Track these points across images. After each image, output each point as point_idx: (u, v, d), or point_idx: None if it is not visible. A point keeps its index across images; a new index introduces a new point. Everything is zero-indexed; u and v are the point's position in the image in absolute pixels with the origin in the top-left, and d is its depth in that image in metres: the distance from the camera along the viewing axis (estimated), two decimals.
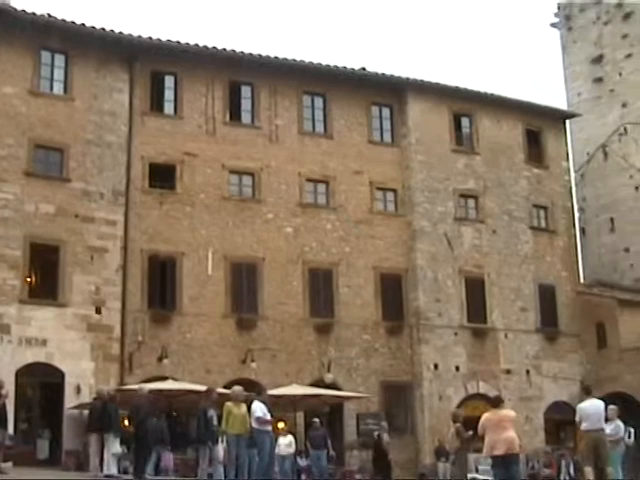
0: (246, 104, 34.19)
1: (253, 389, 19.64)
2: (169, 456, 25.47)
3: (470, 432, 21.43)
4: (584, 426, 17.30)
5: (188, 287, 31.47)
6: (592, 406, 17.50)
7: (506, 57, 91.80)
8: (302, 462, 28.11)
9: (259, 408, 17.79)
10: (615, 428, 19.46)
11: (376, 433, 28.02)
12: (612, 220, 44.64)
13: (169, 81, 33.24)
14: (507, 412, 16.55)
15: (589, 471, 17.48)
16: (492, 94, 38.44)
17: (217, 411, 18.62)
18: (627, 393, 35.66)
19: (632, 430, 22.61)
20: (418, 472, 31.66)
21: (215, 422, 18.34)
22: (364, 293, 34.42)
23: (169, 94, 33.18)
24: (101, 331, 29.54)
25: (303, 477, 27.83)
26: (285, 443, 25.35)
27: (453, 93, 37.57)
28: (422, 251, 35.65)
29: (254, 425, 17.59)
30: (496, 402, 16.98)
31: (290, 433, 26.26)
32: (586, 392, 18.18)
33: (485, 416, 16.71)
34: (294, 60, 34.60)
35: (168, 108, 33.22)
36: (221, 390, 22.59)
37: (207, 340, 31.25)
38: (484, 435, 16.04)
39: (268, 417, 18.28)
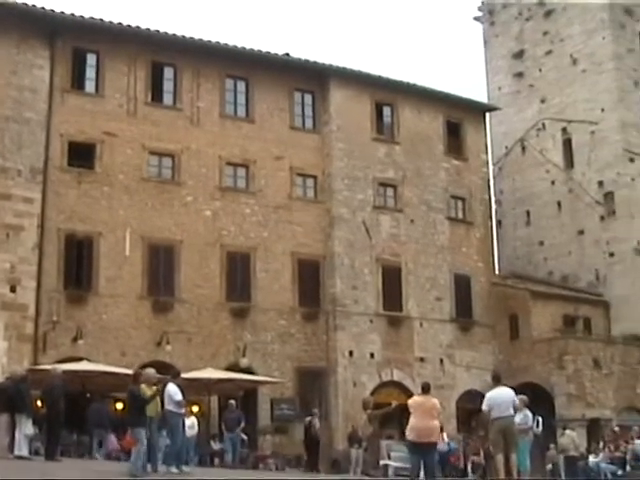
0: (168, 85, 34.11)
1: (168, 372, 19.54)
2: (112, 439, 25.41)
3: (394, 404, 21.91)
4: (493, 414, 17.62)
5: (105, 268, 31.33)
6: (501, 394, 17.79)
7: (430, 48, 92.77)
8: (215, 446, 28.20)
9: (178, 391, 17.83)
10: (524, 418, 19.95)
11: (308, 419, 28.35)
12: (528, 213, 45.64)
13: (91, 59, 32.97)
14: (435, 401, 16.88)
15: (499, 459, 17.85)
16: (414, 85, 38.90)
17: None
18: (537, 383, 36.49)
19: (540, 419, 23.19)
20: (331, 458, 31.95)
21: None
22: (281, 278, 34.62)
23: (90, 72, 32.92)
24: (15, 310, 29.25)
25: (216, 461, 27.81)
26: (188, 425, 25.32)
27: (375, 82, 37.92)
28: (340, 238, 35.96)
29: (171, 408, 17.61)
30: (426, 388, 17.28)
31: (193, 415, 26.11)
32: (495, 380, 18.54)
33: (414, 399, 17.03)
34: (217, 43, 34.62)
35: (89, 86, 32.97)
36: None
37: (123, 322, 31.16)
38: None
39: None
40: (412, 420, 16.89)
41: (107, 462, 23.27)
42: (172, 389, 17.80)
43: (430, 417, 16.63)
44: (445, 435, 32.51)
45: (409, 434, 16.94)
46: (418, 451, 16.81)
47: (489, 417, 17.61)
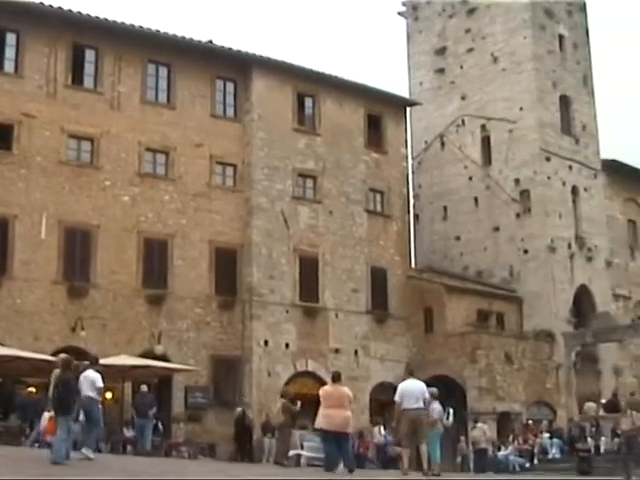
0: (89, 68, 33.91)
1: (82, 358, 19.56)
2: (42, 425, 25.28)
3: (298, 405, 22.15)
4: (404, 405, 18.04)
5: (20, 251, 31.10)
6: (412, 386, 18.22)
7: (355, 41, 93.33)
8: (128, 433, 28.18)
9: (100, 378, 17.89)
10: (432, 410, 20.43)
11: (240, 409, 28.50)
12: (445, 208, 46.36)
13: (10, 39, 32.59)
14: (347, 390, 17.11)
15: (406, 452, 18.30)
16: (336, 77, 39.29)
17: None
18: (450, 376, 37.21)
19: (451, 411, 23.73)
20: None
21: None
22: (198, 266, 34.74)
23: (10, 52, 32.55)
24: None
25: (129, 448, 27.77)
26: None
27: (298, 73, 38.23)
28: (258, 227, 36.20)
29: (91, 394, 17.66)
30: (336, 377, 17.50)
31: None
32: (409, 374, 18.95)
33: (325, 389, 17.22)
34: (140, 27, 34.57)
35: (8, 66, 32.60)
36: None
37: (37, 306, 30.96)
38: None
39: None
40: (322, 409, 17.11)
41: (34, 449, 23.05)
42: (94, 375, 17.85)
43: (340, 406, 16.87)
44: (382, 428, 33.10)
45: (318, 423, 17.16)
46: (331, 440, 17.03)
47: (400, 408, 18.00)
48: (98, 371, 18.17)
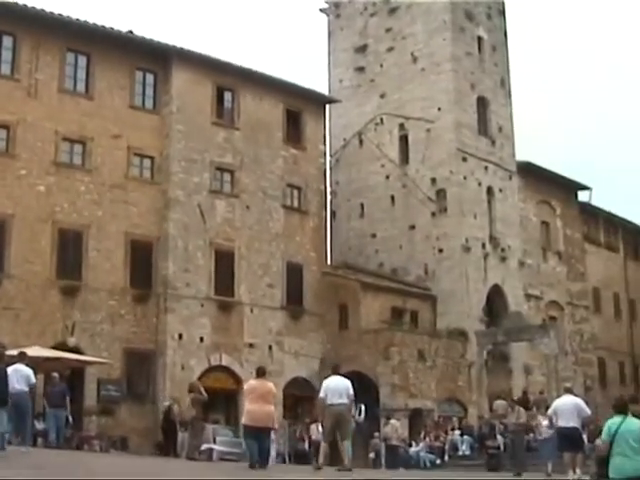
0: (6, 54, 33.52)
1: None
2: None
3: (205, 394, 22.36)
4: (328, 401, 18.33)
5: None
6: (336, 382, 18.53)
7: (277, 37, 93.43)
8: (39, 425, 27.94)
9: (32, 373, 17.89)
10: (358, 407, 20.81)
11: (167, 404, 28.47)
12: (362, 206, 46.87)
13: None
14: (270, 385, 17.24)
15: (325, 446, 18.63)
16: (257, 71, 39.50)
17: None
18: (364, 373, 37.64)
19: (363, 407, 24.11)
20: (156, 441, 32.22)
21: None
22: (114, 258, 34.66)
23: None
24: None
25: (40, 441, 27.49)
26: None
27: (218, 66, 38.36)
28: (175, 220, 36.24)
29: (24, 388, 17.61)
30: (261, 372, 17.62)
31: None
32: (334, 371, 19.22)
33: (250, 383, 17.33)
34: (60, 15, 34.32)
35: None
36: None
37: None
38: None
39: None
40: (247, 404, 17.22)
41: None
42: (27, 370, 17.80)
43: (265, 401, 16.98)
44: (320, 425, 33.25)
45: (244, 418, 17.32)
46: (253, 435, 17.14)
47: (324, 404, 18.30)
48: (28, 365, 18.12)
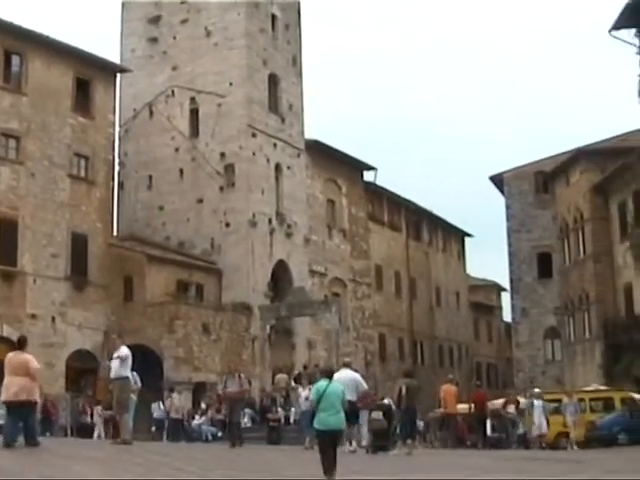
0: None
1: None
2: None
3: None
4: (111, 374, 18.76)
5: None
6: (120, 355, 19.02)
7: (70, 2, 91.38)
8: None
9: None
10: (134, 377, 21.18)
11: None
12: (150, 178, 46.90)
13: None
14: (27, 357, 16.35)
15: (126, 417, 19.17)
16: (47, 36, 38.95)
17: None
18: (148, 346, 37.94)
19: (136, 375, 23.93)
20: None
21: None
22: None
23: None
24: None
25: None
26: None
27: (5, 28, 37.60)
28: None
29: None
30: (21, 342, 16.83)
31: None
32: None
33: (8, 356, 16.53)
34: None
35: None
36: None
37: None
38: None
39: None
40: (5, 378, 16.51)
41: None
42: None
43: (18, 374, 16.10)
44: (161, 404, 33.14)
45: (2, 394, 16.56)
46: (13, 412, 16.22)
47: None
48: None
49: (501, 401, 33.76)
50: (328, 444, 12.70)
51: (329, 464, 12.51)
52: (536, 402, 28.99)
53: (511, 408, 31.46)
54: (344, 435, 19.08)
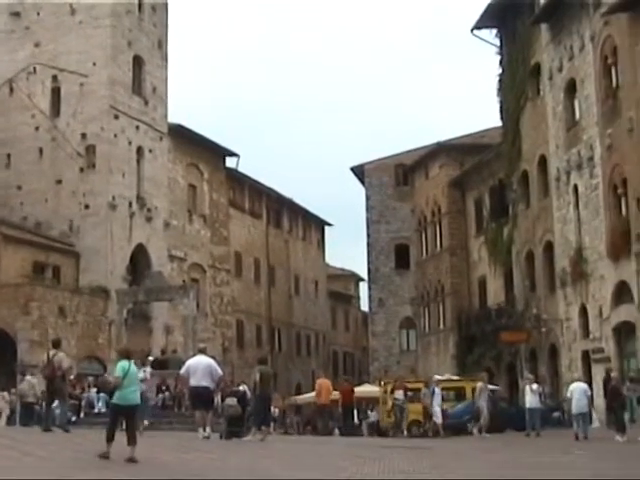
0: None
1: None
2: None
3: None
4: None
5: None
6: None
7: None
8: None
9: None
10: None
11: None
12: (9, 156, 46.21)
13: None
14: None
15: None
16: None
17: None
18: (1, 327, 37.57)
19: None
20: None
21: None
22: None
23: None
24: None
25: None
26: None
27: None
28: None
29: None
30: None
31: None
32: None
33: None
34: None
35: None
36: None
37: None
38: None
39: None
40: None
41: None
42: None
43: None
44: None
45: None
46: None
47: None
48: None
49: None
50: (123, 417, 14.87)
51: (113, 435, 14.33)
52: (437, 390, 30.38)
53: (399, 394, 32.33)
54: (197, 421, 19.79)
